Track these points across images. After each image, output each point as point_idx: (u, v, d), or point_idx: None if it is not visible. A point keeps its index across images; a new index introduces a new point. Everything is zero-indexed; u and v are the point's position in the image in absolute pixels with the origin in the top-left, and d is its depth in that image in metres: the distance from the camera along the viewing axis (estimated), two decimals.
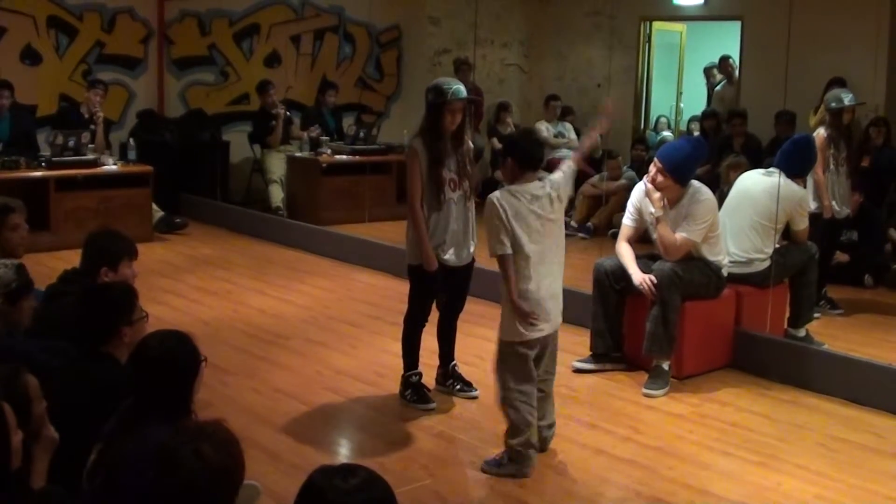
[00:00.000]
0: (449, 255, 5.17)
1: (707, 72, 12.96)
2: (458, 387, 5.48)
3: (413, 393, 5.32)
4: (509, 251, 4.37)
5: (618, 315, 5.95)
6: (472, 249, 5.29)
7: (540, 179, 4.51)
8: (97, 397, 3.30)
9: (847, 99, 7.36)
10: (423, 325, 5.37)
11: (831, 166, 7.24)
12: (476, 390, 5.46)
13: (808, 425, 5.20)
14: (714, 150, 9.59)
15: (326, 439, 4.97)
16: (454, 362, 5.53)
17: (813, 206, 7.08)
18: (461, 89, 5.14)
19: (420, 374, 5.37)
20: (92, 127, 9.38)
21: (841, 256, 8.07)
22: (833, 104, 7.33)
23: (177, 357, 3.13)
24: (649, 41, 12.91)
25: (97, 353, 3.57)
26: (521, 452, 4.44)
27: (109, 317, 3.60)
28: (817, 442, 4.98)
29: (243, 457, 2.44)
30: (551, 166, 11.92)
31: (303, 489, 2.11)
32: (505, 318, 4.48)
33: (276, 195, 10.67)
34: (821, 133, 7.25)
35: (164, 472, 2.31)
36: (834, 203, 7.28)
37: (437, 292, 5.33)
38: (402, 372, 5.39)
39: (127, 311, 3.65)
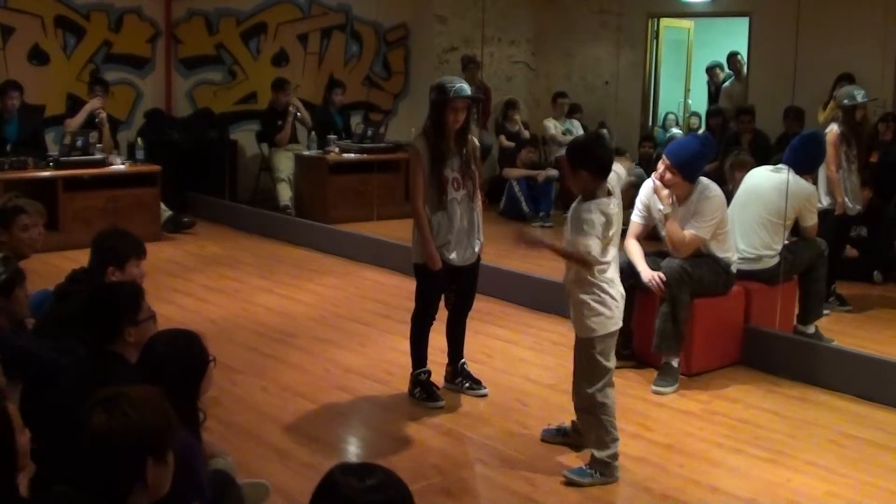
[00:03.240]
0: (454, 255, 5.17)
1: (710, 71, 12.94)
2: (467, 385, 5.47)
3: (422, 391, 5.31)
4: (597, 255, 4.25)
5: (626, 312, 5.91)
6: (477, 249, 5.28)
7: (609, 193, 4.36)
8: None
9: (860, 96, 7.35)
10: (431, 323, 5.36)
11: (843, 163, 7.23)
12: (485, 388, 5.46)
13: (818, 422, 5.19)
14: (722, 147, 9.58)
15: (335, 437, 4.97)
16: (463, 360, 5.53)
17: (825, 202, 7.08)
18: (464, 88, 5.12)
19: (429, 372, 5.36)
20: (97, 124, 9.38)
21: (850, 251, 8.05)
22: (846, 101, 7.30)
23: (185, 356, 3.13)
24: (657, 38, 12.88)
25: (104, 352, 3.56)
26: (610, 465, 4.36)
27: (113, 316, 3.58)
28: (827, 438, 4.96)
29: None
30: (560, 164, 11.97)
31: (320, 485, 2.11)
32: (582, 315, 4.37)
33: (285, 194, 10.67)
34: (834, 130, 7.23)
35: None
36: (846, 199, 7.26)
37: (444, 291, 5.33)
38: (410, 370, 5.39)
39: (131, 311, 3.62)
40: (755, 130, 10.24)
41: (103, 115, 9.53)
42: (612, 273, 4.39)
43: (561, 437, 4.75)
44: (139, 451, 2.40)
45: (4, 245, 4.76)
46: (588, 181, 4.29)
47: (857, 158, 7.35)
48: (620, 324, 4.45)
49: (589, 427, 4.41)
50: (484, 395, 5.42)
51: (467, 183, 5.19)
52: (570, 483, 4.33)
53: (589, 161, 4.29)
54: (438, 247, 5.12)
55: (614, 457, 4.37)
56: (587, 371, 4.40)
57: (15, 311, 4.07)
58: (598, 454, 4.36)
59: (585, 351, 4.40)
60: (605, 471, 4.35)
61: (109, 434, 2.36)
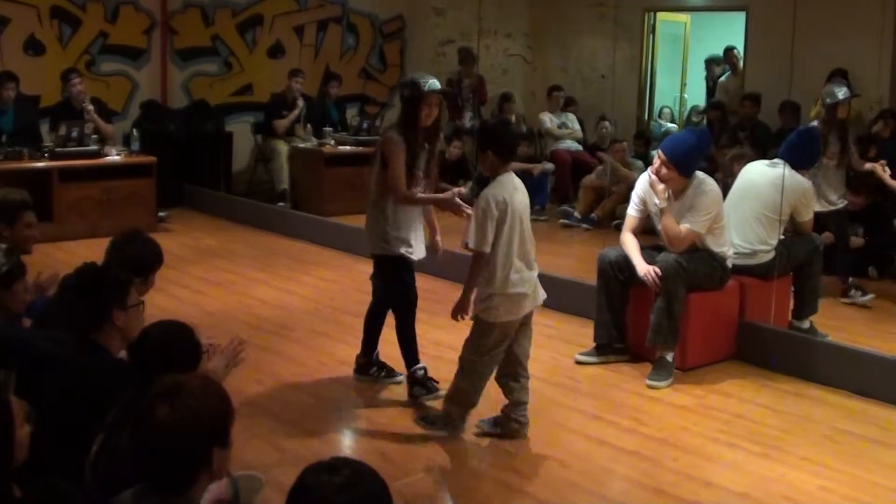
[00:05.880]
0: (414, 249, 5.23)
1: (709, 64, 12.92)
2: (382, 374, 5.52)
3: (420, 388, 5.27)
4: (489, 249, 4.45)
5: (621, 306, 5.94)
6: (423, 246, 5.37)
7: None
8: (100, 388, 3.28)
9: (841, 93, 7.40)
10: (412, 315, 5.35)
11: (823, 158, 7.35)
12: (400, 375, 5.45)
13: (813, 417, 5.20)
14: (719, 140, 9.58)
15: (330, 430, 4.97)
16: (377, 352, 5.58)
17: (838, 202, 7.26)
18: (436, 83, 5.20)
19: (424, 368, 5.33)
20: (86, 116, 9.31)
21: (856, 241, 8.10)
22: (828, 100, 7.39)
23: (177, 348, 3.11)
24: (653, 32, 12.87)
25: (90, 345, 3.48)
26: (457, 422, 4.71)
27: (101, 299, 3.48)
28: (821, 433, 4.98)
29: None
30: (556, 157, 11.92)
31: (292, 489, 2.10)
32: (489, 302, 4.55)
33: (284, 177, 10.59)
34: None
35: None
36: (829, 194, 7.38)
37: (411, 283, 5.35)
38: (404, 363, 5.36)
39: (120, 294, 3.53)
40: (756, 120, 10.20)
41: (90, 106, 9.41)
42: (519, 267, 4.54)
43: (497, 429, 4.79)
44: (206, 441, 2.43)
45: (6, 240, 4.73)
46: (494, 162, 4.57)
47: (838, 155, 7.44)
48: (519, 315, 4.59)
49: (460, 385, 4.67)
50: (399, 383, 5.43)
51: (427, 181, 5.28)
52: (419, 424, 4.80)
53: (494, 143, 4.61)
54: (401, 239, 5.18)
55: (465, 417, 4.73)
56: (476, 345, 4.59)
57: (11, 305, 4.03)
58: (450, 408, 4.71)
59: (482, 331, 4.57)
60: (454, 427, 4.72)
61: (176, 427, 2.39)
